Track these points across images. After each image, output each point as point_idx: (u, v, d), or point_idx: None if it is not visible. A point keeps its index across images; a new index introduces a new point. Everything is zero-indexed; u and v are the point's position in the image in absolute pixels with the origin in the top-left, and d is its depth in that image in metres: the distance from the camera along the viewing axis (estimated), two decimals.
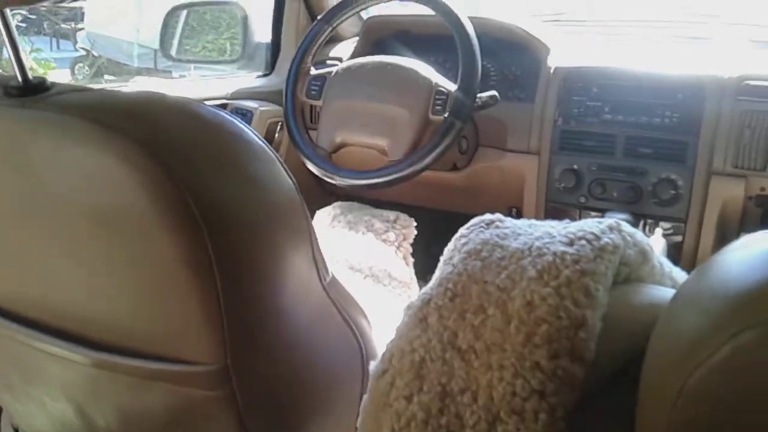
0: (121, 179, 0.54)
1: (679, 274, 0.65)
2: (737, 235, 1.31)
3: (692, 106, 1.25)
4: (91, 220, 0.58)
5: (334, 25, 1.35)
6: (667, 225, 1.31)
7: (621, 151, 1.31)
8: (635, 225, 1.29)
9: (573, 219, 1.37)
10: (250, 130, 0.62)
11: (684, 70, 1.29)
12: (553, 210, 1.39)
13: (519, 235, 0.59)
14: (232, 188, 0.58)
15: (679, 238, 1.29)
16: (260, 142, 0.62)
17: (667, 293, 0.55)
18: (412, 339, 0.55)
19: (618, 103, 1.32)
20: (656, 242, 1.24)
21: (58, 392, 0.73)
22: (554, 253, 0.54)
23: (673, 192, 1.25)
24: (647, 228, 1.31)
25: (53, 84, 0.63)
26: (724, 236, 1.27)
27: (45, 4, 0.56)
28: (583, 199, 1.34)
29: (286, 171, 0.63)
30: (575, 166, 1.34)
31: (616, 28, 1.68)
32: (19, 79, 0.61)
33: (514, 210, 1.52)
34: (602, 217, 1.30)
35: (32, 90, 0.61)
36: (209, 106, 0.62)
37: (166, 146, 0.55)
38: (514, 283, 0.53)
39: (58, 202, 0.59)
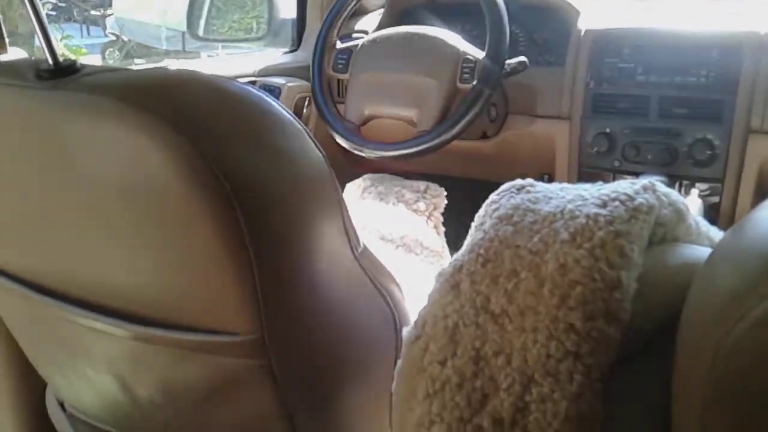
0: (152, 156, 0.54)
1: (717, 233, 0.64)
2: None
3: (729, 64, 1.22)
4: (124, 197, 0.59)
5: None
6: (704, 186, 1.28)
7: (655, 112, 1.28)
8: (671, 187, 1.27)
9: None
10: (279, 104, 0.63)
11: (719, 28, 1.26)
12: (587, 175, 1.37)
13: (551, 198, 0.58)
14: (262, 162, 0.59)
15: (716, 199, 1.26)
16: (288, 116, 0.62)
17: (703, 252, 0.54)
18: (444, 305, 0.55)
19: (651, 64, 1.29)
20: (693, 203, 1.22)
21: (102, 366, 0.75)
22: (587, 215, 0.53)
23: (709, 152, 1.22)
24: (683, 189, 1.29)
25: (83, 66, 0.63)
26: (763, 196, 1.24)
27: None
28: (617, 163, 1.32)
29: (315, 143, 0.63)
30: (608, 130, 1.32)
31: None
32: (50, 62, 0.62)
33: (546, 177, 1.50)
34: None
35: (63, 72, 0.62)
36: (239, 82, 0.62)
37: (195, 122, 0.56)
38: (546, 246, 0.53)
39: (92, 181, 0.60)
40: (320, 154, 0.64)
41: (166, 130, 0.54)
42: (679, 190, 1.29)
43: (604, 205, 0.54)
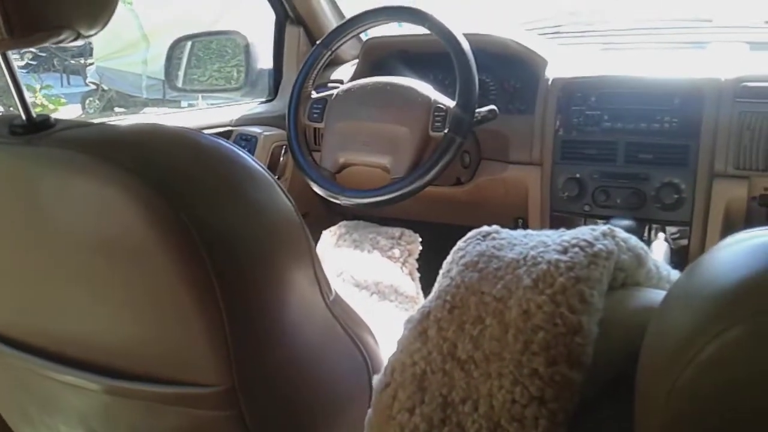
0: (123, 210, 0.55)
1: (677, 277, 0.65)
2: None
3: (691, 110, 1.26)
4: (96, 251, 0.59)
5: (334, 48, 1.38)
6: (672, 229, 1.31)
7: (622, 157, 1.31)
8: (641, 230, 1.30)
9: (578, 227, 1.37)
10: (249, 156, 0.64)
11: (681, 75, 1.30)
12: (558, 219, 1.39)
13: (515, 245, 0.60)
14: (233, 214, 0.60)
15: (685, 242, 1.29)
16: (258, 167, 0.63)
17: (662, 296, 0.56)
18: (412, 352, 0.56)
19: (617, 111, 1.33)
20: (659, 247, 1.25)
21: (75, 420, 0.75)
22: (549, 262, 0.55)
23: (676, 196, 1.26)
24: (653, 232, 1.31)
25: (57, 120, 0.65)
26: None
27: (44, 45, 0.58)
28: (587, 207, 1.35)
29: (284, 193, 0.65)
30: (578, 175, 1.35)
31: (613, 38, 1.69)
32: (23, 117, 0.63)
33: (521, 221, 1.52)
34: (607, 224, 1.31)
35: (37, 127, 0.63)
36: (209, 134, 0.64)
37: (165, 176, 0.57)
38: (510, 292, 0.54)
39: (64, 234, 0.61)
40: (290, 205, 0.65)
41: (135, 183, 0.55)
42: (648, 234, 1.31)
43: (564, 251, 0.56)
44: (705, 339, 0.35)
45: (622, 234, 0.59)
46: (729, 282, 0.37)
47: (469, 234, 0.64)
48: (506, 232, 0.64)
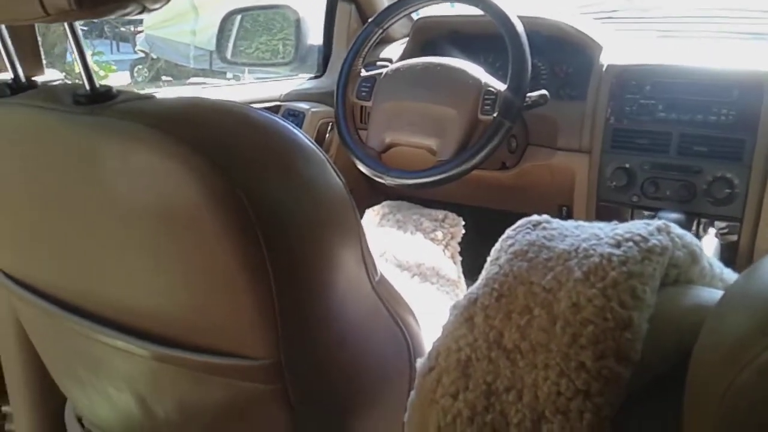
0: (181, 183, 0.56)
1: (731, 276, 0.64)
2: None
3: (749, 104, 1.22)
4: (153, 220, 0.61)
5: (385, 27, 1.37)
6: (722, 224, 1.28)
7: (675, 149, 1.28)
8: (689, 224, 1.27)
9: (624, 218, 1.36)
10: (302, 133, 0.65)
11: (741, 67, 1.26)
12: (604, 209, 1.37)
13: (566, 236, 0.59)
14: (285, 190, 0.60)
15: (734, 238, 1.26)
16: (311, 145, 0.64)
17: (716, 295, 0.55)
18: (458, 338, 0.56)
19: (672, 101, 1.30)
20: (709, 242, 1.22)
21: (123, 384, 0.77)
22: (601, 255, 0.54)
23: (728, 191, 1.23)
24: (701, 227, 1.28)
25: (119, 92, 0.66)
26: None
27: (110, 17, 0.59)
28: (635, 198, 1.33)
29: (336, 172, 0.65)
30: (627, 165, 1.32)
31: (670, 25, 1.65)
32: (87, 87, 0.65)
33: (565, 209, 1.51)
34: (655, 216, 1.29)
35: (99, 98, 0.64)
36: (262, 109, 0.64)
37: (221, 150, 0.58)
38: (560, 284, 0.54)
39: (123, 203, 0.62)
40: (341, 184, 0.65)
41: (194, 157, 0.56)
42: (698, 228, 1.28)
43: (618, 245, 0.55)
44: (762, 345, 0.35)
45: (677, 230, 0.58)
46: None
47: (519, 222, 0.64)
48: (557, 222, 0.63)
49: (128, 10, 0.60)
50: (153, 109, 0.61)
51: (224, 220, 0.56)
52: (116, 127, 0.60)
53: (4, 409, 1.28)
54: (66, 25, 0.64)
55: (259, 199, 0.57)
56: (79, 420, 0.95)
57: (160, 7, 0.61)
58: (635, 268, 0.53)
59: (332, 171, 0.65)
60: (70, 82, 1.14)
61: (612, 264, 0.53)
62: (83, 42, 0.66)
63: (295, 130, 0.64)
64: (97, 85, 0.65)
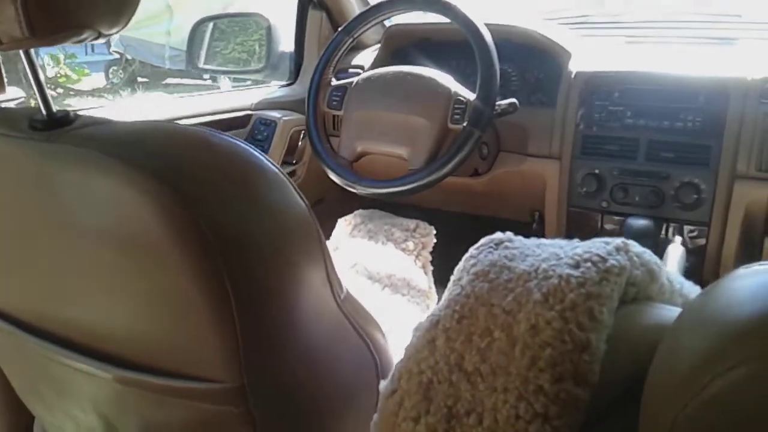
0: (140, 211, 0.56)
1: (691, 289, 0.65)
2: (761, 239, 1.29)
3: (715, 110, 1.24)
4: (112, 247, 0.60)
5: (356, 35, 1.37)
6: (690, 228, 1.30)
7: (643, 155, 1.30)
8: (658, 229, 1.29)
9: (595, 223, 1.37)
10: (262, 155, 0.64)
11: (707, 73, 1.28)
12: (575, 214, 1.38)
13: (527, 256, 0.60)
14: (247, 215, 0.60)
15: (702, 241, 1.28)
16: (273, 168, 0.64)
17: (674, 312, 0.55)
18: (420, 360, 0.57)
19: (640, 108, 1.31)
20: (675, 250, 1.24)
21: (88, 405, 0.76)
22: (560, 276, 0.55)
23: (695, 196, 1.25)
24: (670, 232, 1.30)
25: (76, 116, 0.65)
26: (748, 240, 1.26)
27: (65, 44, 0.58)
28: (605, 204, 1.34)
29: (298, 194, 0.65)
30: (597, 171, 1.34)
31: (639, 30, 1.66)
32: (44, 112, 0.64)
33: (537, 214, 1.52)
34: (624, 221, 1.30)
35: (56, 123, 0.64)
36: (224, 135, 0.64)
37: (181, 177, 0.57)
38: (519, 306, 0.54)
39: (81, 229, 0.62)
40: (303, 205, 0.65)
41: (155, 185, 0.56)
42: (666, 233, 1.30)
43: (576, 265, 0.55)
44: (713, 373, 0.35)
45: (636, 248, 0.59)
46: (741, 317, 0.37)
47: (482, 241, 0.64)
48: (519, 241, 0.63)
49: (83, 36, 0.59)
50: (111, 136, 0.61)
51: (184, 248, 0.56)
52: (74, 155, 0.60)
53: None
54: (21, 51, 0.63)
55: (220, 227, 0.57)
56: None
57: (116, 33, 0.61)
58: (593, 290, 0.53)
59: (295, 193, 0.65)
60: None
61: (570, 285, 0.53)
62: (38, 67, 0.65)
63: (257, 153, 0.64)
64: (54, 110, 0.64)
